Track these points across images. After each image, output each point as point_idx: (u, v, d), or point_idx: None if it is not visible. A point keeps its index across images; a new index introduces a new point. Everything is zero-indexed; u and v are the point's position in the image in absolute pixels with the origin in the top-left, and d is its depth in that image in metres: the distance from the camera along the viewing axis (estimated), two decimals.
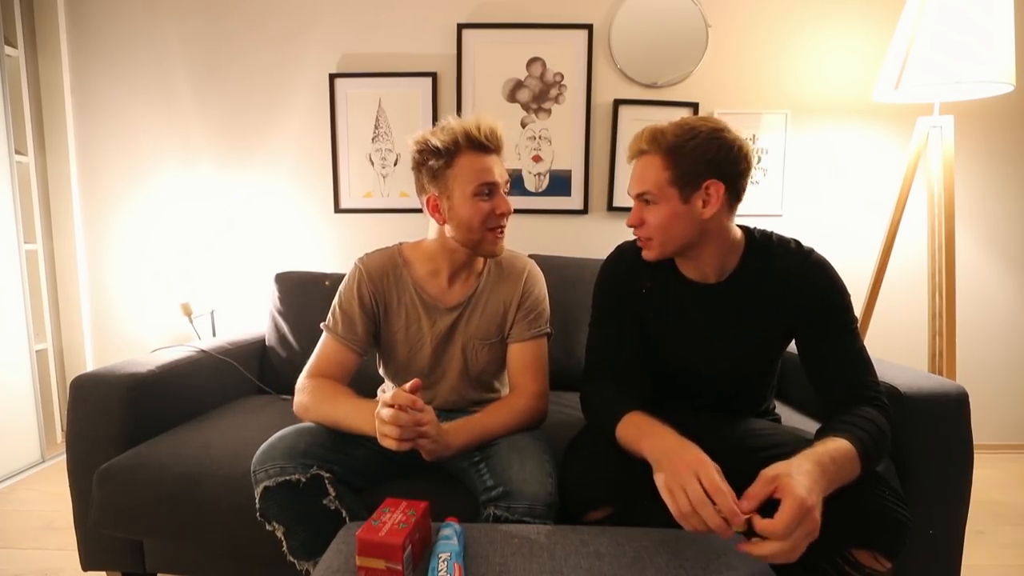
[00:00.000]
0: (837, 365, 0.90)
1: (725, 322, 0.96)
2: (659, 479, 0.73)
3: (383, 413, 0.86)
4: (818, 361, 0.92)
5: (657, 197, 0.88)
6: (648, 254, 0.94)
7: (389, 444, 0.86)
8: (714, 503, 0.67)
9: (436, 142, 0.99)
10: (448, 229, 1.04)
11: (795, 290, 0.92)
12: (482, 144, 1.01)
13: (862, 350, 0.91)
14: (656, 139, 0.87)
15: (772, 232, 0.99)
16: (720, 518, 0.66)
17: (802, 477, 0.67)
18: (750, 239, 0.97)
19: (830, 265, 0.94)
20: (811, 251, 0.95)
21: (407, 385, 0.89)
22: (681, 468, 0.71)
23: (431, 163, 1.01)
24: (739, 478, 0.72)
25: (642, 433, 0.81)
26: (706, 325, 0.97)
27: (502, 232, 1.05)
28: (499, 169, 1.03)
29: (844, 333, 0.90)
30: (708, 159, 0.85)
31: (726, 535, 0.67)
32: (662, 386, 1.06)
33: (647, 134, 0.89)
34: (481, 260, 1.14)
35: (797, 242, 0.97)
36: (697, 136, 0.85)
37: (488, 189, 1.01)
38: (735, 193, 0.90)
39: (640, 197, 0.90)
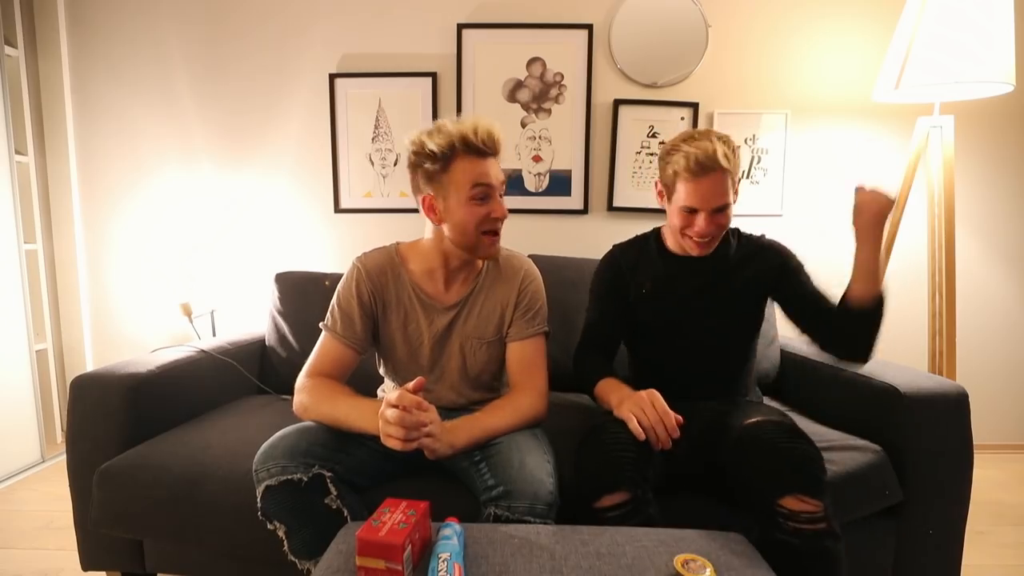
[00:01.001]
0: (811, 300, 1.13)
1: (708, 287, 1.16)
2: (621, 411, 0.98)
3: (388, 414, 0.86)
4: (795, 304, 1.15)
5: (728, 203, 1.07)
6: (707, 250, 1.12)
7: (394, 445, 0.86)
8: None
9: (432, 146, 0.98)
10: (445, 230, 1.05)
11: (759, 259, 1.17)
12: (479, 148, 1.00)
13: (816, 287, 1.15)
14: (727, 159, 1.04)
15: (738, 228, 1.24)
16: (665, 432, 0.92)
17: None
18: None
19: (780, 243, 1.20)
20: (763, 235, 1.22)
21: (410, 385, 0.89)
22: (640, 397, 0.96)
23: (427, 166, 1.01)
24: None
25: (611, 390, 1.06)
26: (695, 290, 1.16)
27: (497, 235, 1.06)
28: (495, 172, 1.03)
29: (807, 279, 1.15)
30: (738, 167, 1.09)
31: (667, 446, 0.93)
32: (663, 353, 1.21)
33: (719, 155, 1.03)
34: (480, 260, 1.14)
35: (756, 234, 1.22)
36: (737, 152, 1.07)
37: (483, 194, 1.01)
38: None
39: (718, 208, 1.06)
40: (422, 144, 1.00)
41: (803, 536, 0.83)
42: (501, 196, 1.05)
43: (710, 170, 1.03)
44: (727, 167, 1.03)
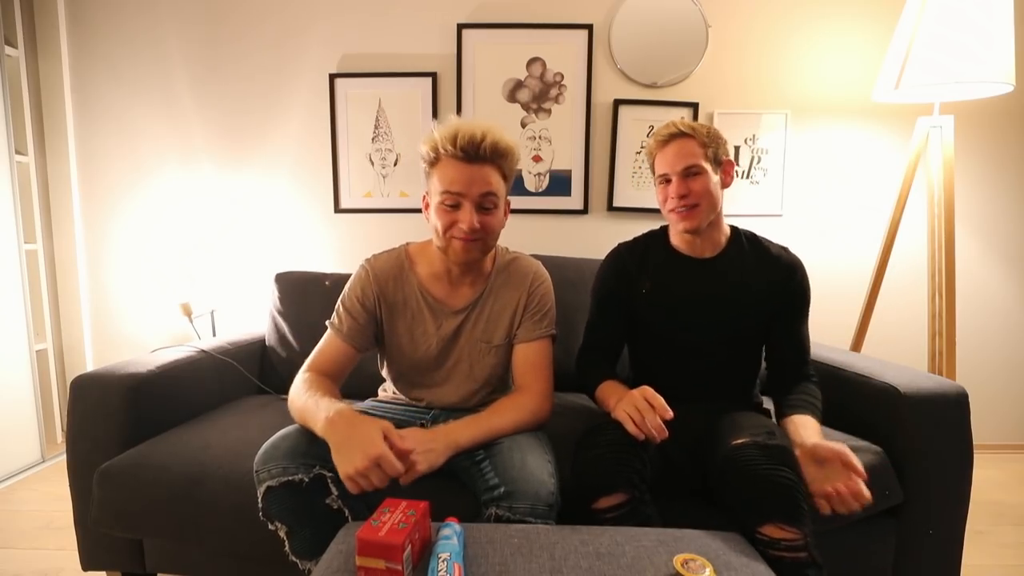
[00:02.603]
0: (793, 346, 1.16)
1: (716, 289, 1.14)
2: (617, 412, 0.98)
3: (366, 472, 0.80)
4: (780, 340, 1.16)
5: (700, 169, 1.09)
6: (690, 224, 1.10)
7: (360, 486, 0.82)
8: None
9: (424, 146, 1.03)
10: None
11: (776, 275, 1.14)
12: (460, 153, 0.98)
13: (808, 337, 1.18)
14: (689, 127, 1.10)
15: (752, 231, 1.21)
16: (658, 420, 0.91)
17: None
18: (735, 229, 1.20)
19: (803, 265, 1.16)
20: (787, 249, 1.18)
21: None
22: (633, 395, 0.97)
23: (423, 165, 1.05)
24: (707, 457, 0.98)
25: (611, 393, 1.07)
26: (702, 291, 1.15)
27: (470, 242, 1.01)
28: (479, 179, 0.99)
29: (803, 322, 1.16)
30: (722, 145, 1.12)
31: (663, 436, 0.91)
32: (663, 354, 1.19)
33: (681, 123, 1.11)
34: (489, 262, 1.14)
35: (778, 244, 1.19)
36: (711, 130, 1.12)
37: (453, 201, 0.99)
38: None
39: (686, 171, 1.09)
40: (422, 144, 1.03)
41: (784, 565, 0.81)
42: (487, 207, 1.01)
43: (673, 136, 1.10)
44: (689, 132, 1.09)
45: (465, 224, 0.99)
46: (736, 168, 1.99)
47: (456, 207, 1.00)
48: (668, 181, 1.11)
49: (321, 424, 0.88)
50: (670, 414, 0.92)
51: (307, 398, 0.97)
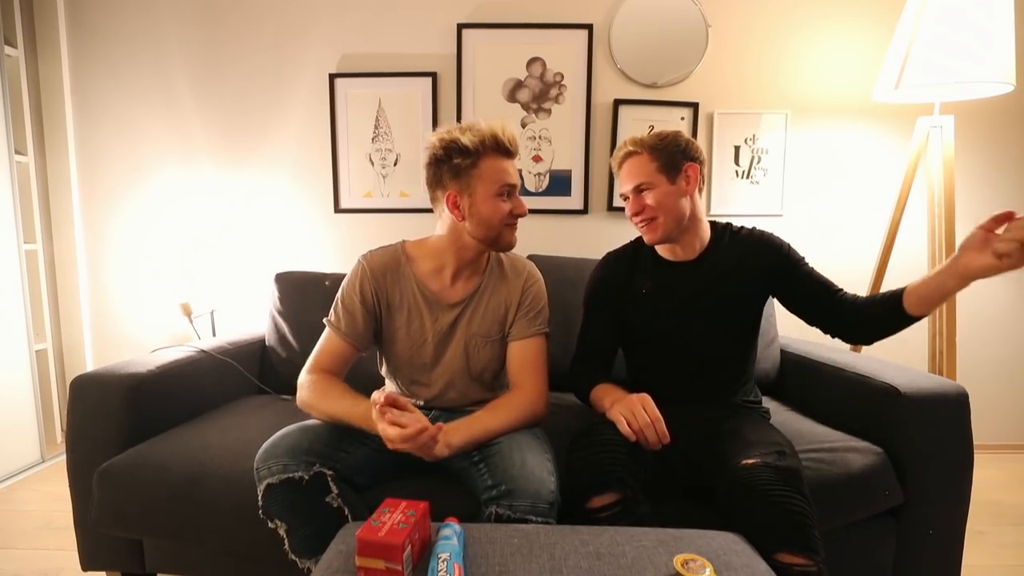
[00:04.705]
0: (815, 289, 1.12)
1: (704, 288, 1.15)
2: (612, 412, 0.99)
3: (390, 433, 0.87)
4: (803, 298, 1.14)
5: (651, 183, 1.10)
6: (653, 236, 1.13)
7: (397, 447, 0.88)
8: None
9: (465, 141, 1.03)
10: (467, 226, 1.07)
11: (755, 257, 1.15)
12: (506, 148, 1.06)
13: (823, 276, 1.14)
14: (638, 143, 1.13)
15: (729, 222, 1.23)
16: (656, 436, 0.94)
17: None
18: (714, 226, 1.20)
19: (783, 240, 1.18)
20: (755, 228, 1.20)
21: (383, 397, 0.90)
22: (632, 400, 0.98)
23: (456, 160, 1.04)
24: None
25: (606, 394, 1.08)
26: (689, 292, 1.15)
27: (515, 226, 1.11)
28: (515, 172, 1.09)
29: (805, 268, 1.14)
30: (680, 150, 1.11)
31: (656, 448, 0.95)
32: (657, 357, 1.20)
33: (629, 142, 1.14)
34: (484, 258, 1.16)
35: (748, 227, 1.21)
36: (666, 137, 1.12)
37: (508, 190, 1.07)
38: (702, 177, 1.15)
39: (636, 189, 1.12)
40: (455, 139, 1.04)
41: None
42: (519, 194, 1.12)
43: (624, 158, 1.14)
44: (636, 149, 1.12)
45: (522, 209, 1.09)
46: (736, 168, 1.99)
47: (509, 197, 1.08)
48: (627, 199, 1.14)
49: (360, 413, 0.96)
50: (668, 440, 0.94)
51: (333, 398, 1.02)
